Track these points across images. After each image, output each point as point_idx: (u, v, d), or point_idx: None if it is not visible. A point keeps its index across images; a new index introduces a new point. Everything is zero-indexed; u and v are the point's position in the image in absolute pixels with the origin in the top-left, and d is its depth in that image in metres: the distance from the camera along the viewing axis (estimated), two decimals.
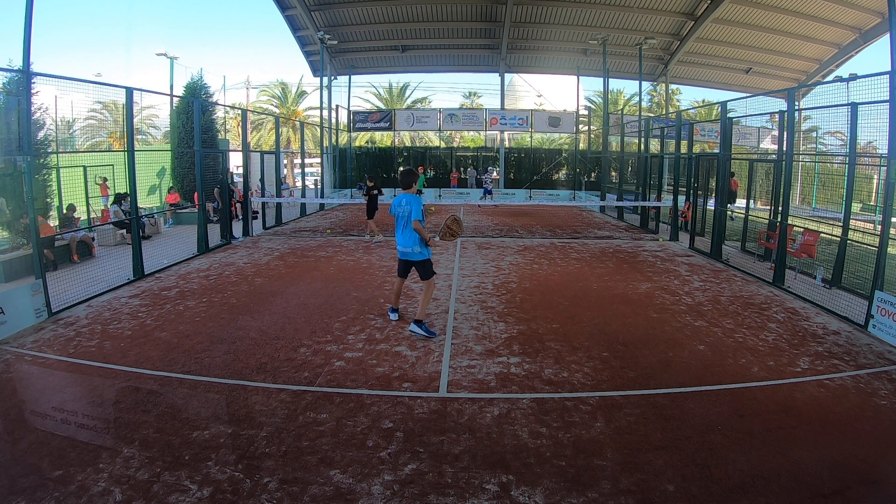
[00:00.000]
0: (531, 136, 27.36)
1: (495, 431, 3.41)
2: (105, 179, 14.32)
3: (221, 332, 5.29)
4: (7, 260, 7.80)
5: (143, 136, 23.75)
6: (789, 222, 7.83)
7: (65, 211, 10.05)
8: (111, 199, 14.95)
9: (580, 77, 24.61)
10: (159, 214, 13.29)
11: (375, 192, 11.25)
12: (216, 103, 18.79)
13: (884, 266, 5.67)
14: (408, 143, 30.80)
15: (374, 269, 8.25)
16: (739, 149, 18.56)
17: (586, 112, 26.11)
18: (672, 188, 13.46)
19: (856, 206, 12.26)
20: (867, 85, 6.24)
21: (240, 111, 19.07)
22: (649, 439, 3.31)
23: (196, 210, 10.63)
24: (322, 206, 18.45)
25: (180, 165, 15.98)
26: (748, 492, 2.81)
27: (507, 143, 27.42)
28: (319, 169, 23.93)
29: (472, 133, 32.96)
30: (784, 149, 8.05)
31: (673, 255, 9.92)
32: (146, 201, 15.46)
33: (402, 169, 4.77)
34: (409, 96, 33.58)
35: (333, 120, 23.84)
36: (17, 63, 6.13)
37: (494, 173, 21.23)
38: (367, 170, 25.20)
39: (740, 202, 11.26)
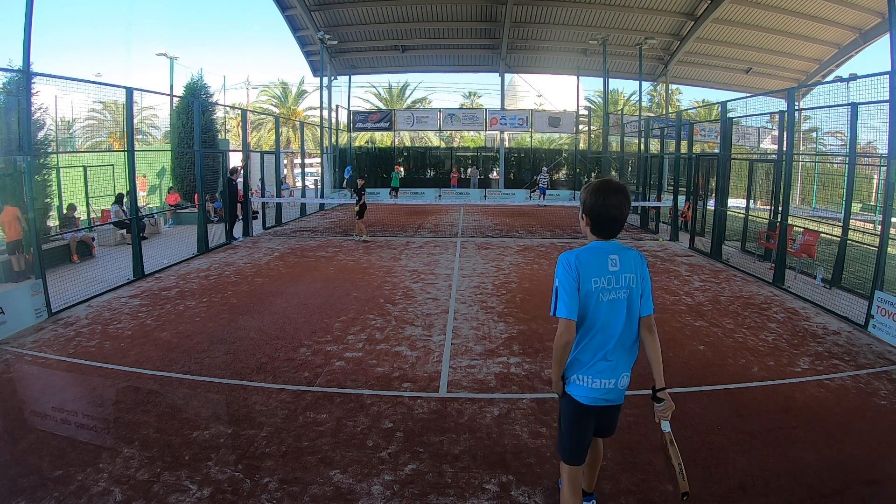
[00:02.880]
0: (531, 136, 27.36)
1: (495, 431, 3.41)
2: (143, 175, 15.55)
3: (221, 332, 5.29)
4: (6, 260, 7.81)
5: (143, 136, 23.75)
6: (789, 222, 7.83)
7: (65, 211, 10.05)
8: (157, 194, 15.55)
9: (580, 77, 24.61)
10: (159, 214, 13.30)
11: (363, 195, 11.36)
12: (216, 103, 18.79)
13: (884, 266, 5.67)
14: (408, 143, 30.80)
15: (373, 269, 8.25)
16: (739, 149, 18.56)
17: (586, 112, 26.11)
18: (672, 188, 13.47)
19: (856, 206, 12.26)
20: (867, 85, 6.24)
21: (240, 111, 19.09)
22: (649, 439, 3.31)
23: (196, 210, 10.64)
24: (322, 206, 18.46)
25: (180, 165, 16.00)
26: (748, 492, 2.81)
27: (507, 143, 27.42)
28: (319, 169, 23.95)
29: (472, 133, 32.95)
30: (784, 149, 8.05)
31: (673, 255, 9.92)
32: (146, 201, 15.57)
33: (606, 181, 2.17)
34: (409, 96, 33.60)
35: (333, 120, 23.84)
36: (17, 63, 6.15)
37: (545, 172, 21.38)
38: (368, 170, 25.24)
39: (738, 202, 11.26)
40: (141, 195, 15.58)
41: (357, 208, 11.14)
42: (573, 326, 2.07)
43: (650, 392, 2.20)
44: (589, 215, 2.14)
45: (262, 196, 14.78)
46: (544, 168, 21.84)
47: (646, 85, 25.17)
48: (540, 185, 20.21)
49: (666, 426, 2.18)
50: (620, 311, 2.11)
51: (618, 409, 2.33)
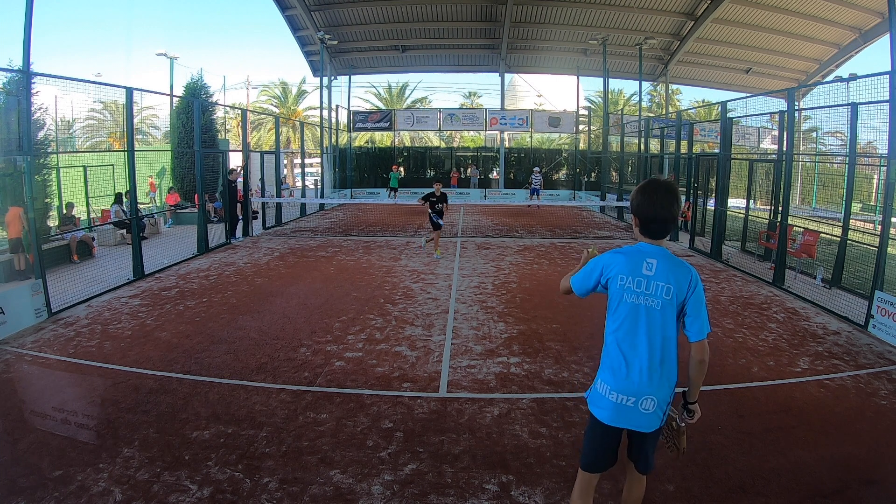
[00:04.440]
0: (531, 136, 27.36)
1: (495, 431, 3.41)
2: (151, 176, 16.05)
3: (221, 332, 5.29)
4: (6, 260, 7.80)
5: (143, 136, 23.76)
6: (789, 222, 7.83)
7: (64, 210, 10.03)
8: (158, 193, 15.79)
9: (580, 77, 24.60)
10: (159, 214, 13.31)
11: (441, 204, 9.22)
12: (216, 103, 18.80)
13: (884, 266, 5.67)
14: (408, 143, 30.81)
15: (373, 269, 8.25)
16: (739, 149, 18.56)
17: (586, 112, 26.11)
18: None
19: (856, 206, 12.26)
20: (867, 85, 6.24)
21: (240, 111, 19.09)
22: None
23: (196, 210, 10.64)
24: (322, 206, 18.47)
25: (180, 165, 16.03)
26: (748, 492, 2.81)
27: (507, 143, 27.42)
28: (319, 169, 23.97)
29: (472, 133, 32.96)
30: (784, 149, 8.05)
31: None
32: (156, 202, 15.70)
33: (653, 180, 2.07)
34: (408, 96, 33.61)
35: (333, 120, 23.85)
36: (17, 63, 6.15)
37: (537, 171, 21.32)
38: (367, 170, 25.18)
39: (738, 202, 11.27)
40: (151, 196, 15.83)
41: (433, 217, 9.20)
42: (571, 292, 2.25)
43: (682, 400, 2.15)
44: (637, 215, 2.08)
45: (262, 196, 14.78)
46: (536, 168, 21.90)
47: (646, 85, 25.17)
48: (532, 185, 20.23)
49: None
50: (640, 318, 2.00)
51: (646, 438, 2.10)
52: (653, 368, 1.98)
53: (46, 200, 10.39)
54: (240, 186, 11.71)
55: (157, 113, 25.86)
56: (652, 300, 1.99)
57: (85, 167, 11.48)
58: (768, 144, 20.07)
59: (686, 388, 2.12)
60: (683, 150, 11.91)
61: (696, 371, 2.03)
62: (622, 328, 2.03)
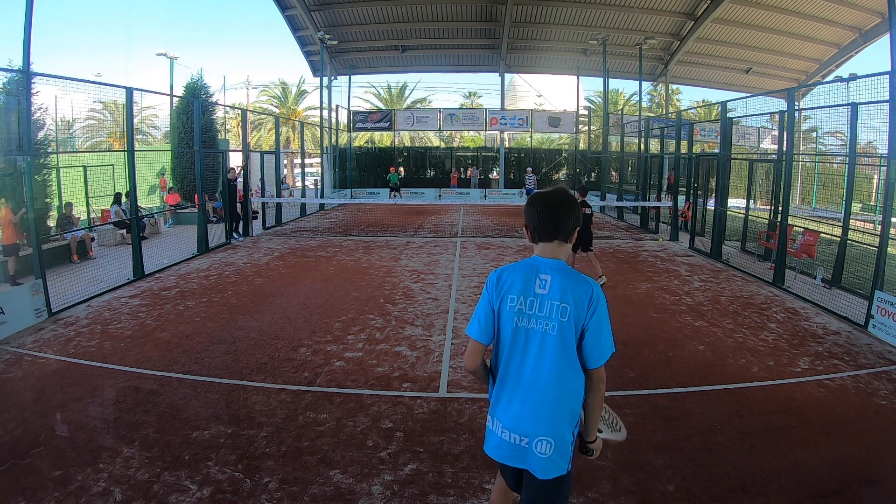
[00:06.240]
0: (531, 136, 27.36)
1: None
2: (163, 174, 16.31)
3: (221, 332, 5.29)
4: (5, 260, 7.79)
5: (143, 136, 23.75)
6: (789, 222, 7.83)
7: (63, 210, 10.02)
8: (167, 192, 15.89)
9: (580, 77, 24.59)
10: (159, 214, 13.31)
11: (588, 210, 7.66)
12: (216, 103, 18.79)
13: (884, 266, 5.67)
14: (408, 143, 30.81)
15: (373, 269, 8.25)
16: (739, 149, 18.55)
17: (586, 112, 26.09)
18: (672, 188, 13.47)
19: (856, 206, 12.27)
20: (867, 85, 6.24)
21: (240, 111, 19.09)
22: (649, 439, 3.31)
23: (196, 210, 10.64)
24: (322, 206, 18.48)
25: (180, 165, 16.03)
26: (748, 492, 2.81)
27: (507, 143, 27.42)
28: (319, 169, 23.97)
29: (472, 133, 32.95)
30: (784, 149, 8.05)
31: (673, 255, 9.92)
32: (146, 201, 15.63)
33: (550, 192, 1.80)
34: (408, 96, 33.59)
35: (333, 120, 23.85)
36: (17, 63, 6.15)
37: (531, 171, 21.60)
38: (367, 170, 25.16)
39: (738, 202, 11.28)
40: (162, 195, 15.93)
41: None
42: (479, 351, 1.80)
43: (579, 442, 1.85)
44: (527, 225, 1.82)
45: (262, 196, 14.78)
46: (529, 169, 21.93)
47: (646, 85, 25.16)
48: (527, 186, 20.34)
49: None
50: (533, 345, 1.72)
51: (538, 486, 1.76)
52: (549, 405, 1.72)
53: (46, 200, 10.38)
54: (239, 186, 11.71)
55: (157, 113, 25.85)
56: (547, 323, 1.71)
57: (85, 167, 11.47)
58: (768, 144, 20.07)
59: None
60: (683, 150, 11.91)
61: (594, 401, 1.78)
62: (514, 357, 1.75)
